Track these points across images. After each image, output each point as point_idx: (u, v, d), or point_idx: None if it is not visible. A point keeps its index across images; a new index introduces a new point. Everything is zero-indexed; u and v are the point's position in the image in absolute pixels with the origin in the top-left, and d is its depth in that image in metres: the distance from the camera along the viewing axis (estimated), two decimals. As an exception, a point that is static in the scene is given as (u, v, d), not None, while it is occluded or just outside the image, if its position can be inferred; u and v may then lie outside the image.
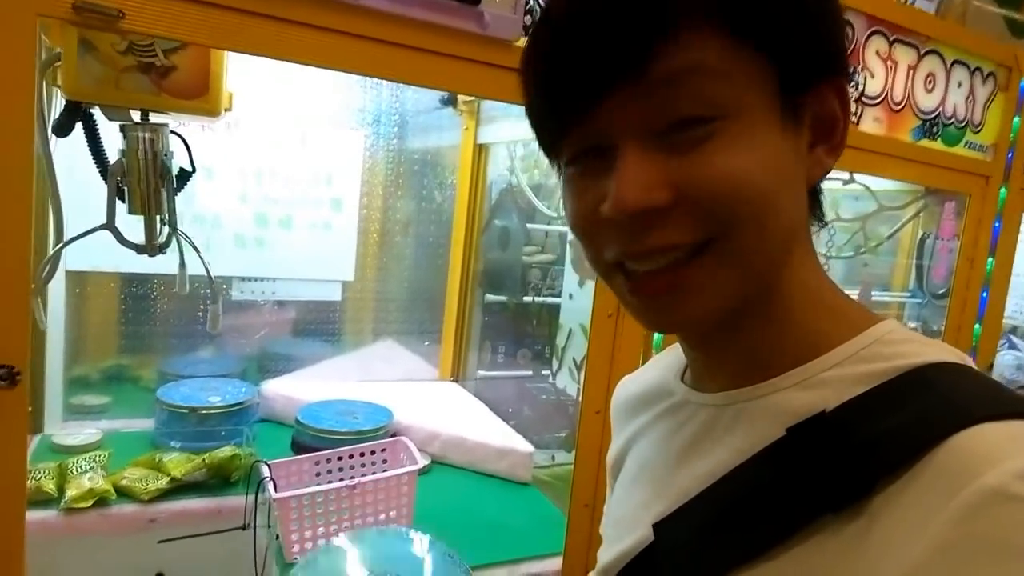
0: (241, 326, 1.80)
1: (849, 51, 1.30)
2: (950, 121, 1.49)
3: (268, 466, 1.26)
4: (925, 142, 1.46)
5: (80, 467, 1.29)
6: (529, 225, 1.97)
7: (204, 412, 1.50)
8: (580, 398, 1.29)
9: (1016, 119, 1.59)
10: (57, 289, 1.49)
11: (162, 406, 1.50)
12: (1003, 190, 1.62)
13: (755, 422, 0.47)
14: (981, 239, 1.63)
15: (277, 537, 1.17)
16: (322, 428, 1.53)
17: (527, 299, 1.96)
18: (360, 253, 1.89)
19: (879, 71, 1.35)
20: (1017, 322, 2.83)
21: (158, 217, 1.03)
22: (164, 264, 1.17)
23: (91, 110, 0.98)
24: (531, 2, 0.95)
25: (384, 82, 1.77)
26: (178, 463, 1.34)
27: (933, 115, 1.46)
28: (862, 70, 1.33)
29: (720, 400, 0.51)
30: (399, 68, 0.92)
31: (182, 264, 1.16)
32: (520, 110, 0.51)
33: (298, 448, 1.52)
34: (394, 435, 1.55)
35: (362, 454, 1.41)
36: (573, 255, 1.76)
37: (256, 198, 1.71)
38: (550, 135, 0.48)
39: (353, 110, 1.84)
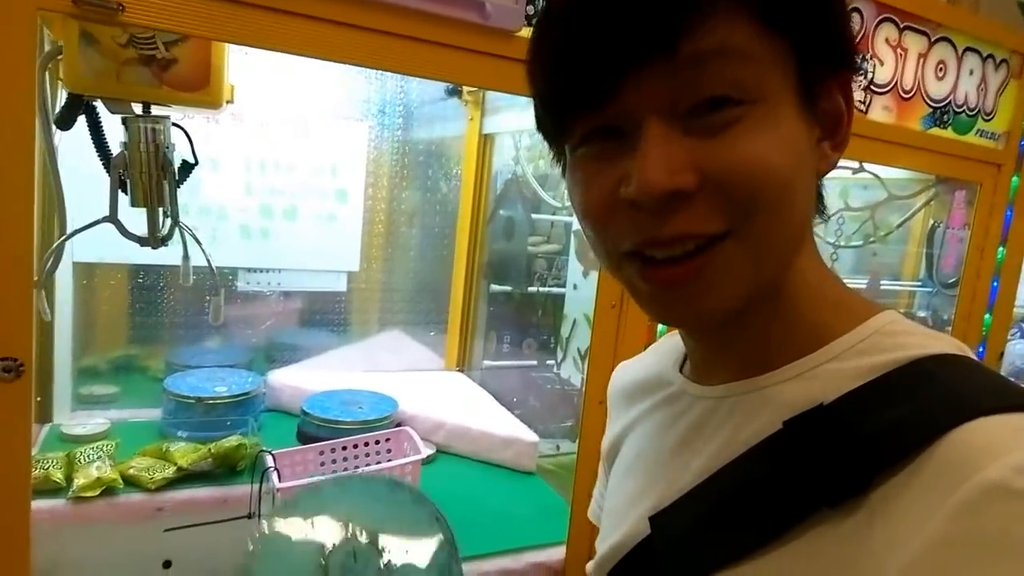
0: (247, 317, 1.81)
1: (858, 38, 1.28)
2: (961, 109, 1.47)
3: (272, 456, 1.27)
4: (936, 130, 1.45)
5: (88, 456, 1.30)
6: (534, 215, 1.96)
7: (211, 402, 1.51)
8: (584, 388, 1.29)
9: (1029, 106, 1.56)
10: (65, 280, 1.50)
11: (169, 396, 1.51)
12: (1015, 178, 1.60)
13: (752, 415, 0.47)
14: (992, 228, 1.61)
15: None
16: (327, 418, 1.53)
17: (532, 289, 1.96)
18: (365, 244, 1.89)
19: (889, 59, 1.33)
20: (1029, 312, 2.80)
21: (160, 209, 1.03)
22: (171, 255, 1.17)
23: (93, 103, 0.98)
24: (533, -8, 0.95)
25: (389, 73, 1.76)
26: (185, 452, 1.35)
27: (944, 103, 1.44)
28: (871, 58, 1.31)
29: (719, 392, 0.51)
30: (400, 59, 0.91)
31: (185, 256, 1.17)
32: (526, 101, 0.50)
33: (303, 438, 1.53)
34: (399, 425, 1.56)
35: (366, 444, 1.42)
36: (578, 245, 1.76)
37: (261, 189, 1.72)
38: (565, 115, 0.46)
39: (358, 101, 1.84)
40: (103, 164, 1.02)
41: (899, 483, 0.37)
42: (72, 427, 1.45)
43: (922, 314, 1.98)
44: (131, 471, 1.30)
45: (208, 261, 1.14)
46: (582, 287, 1.71)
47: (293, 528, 0.69)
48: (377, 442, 1.43)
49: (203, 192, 1.65)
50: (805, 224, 0.47)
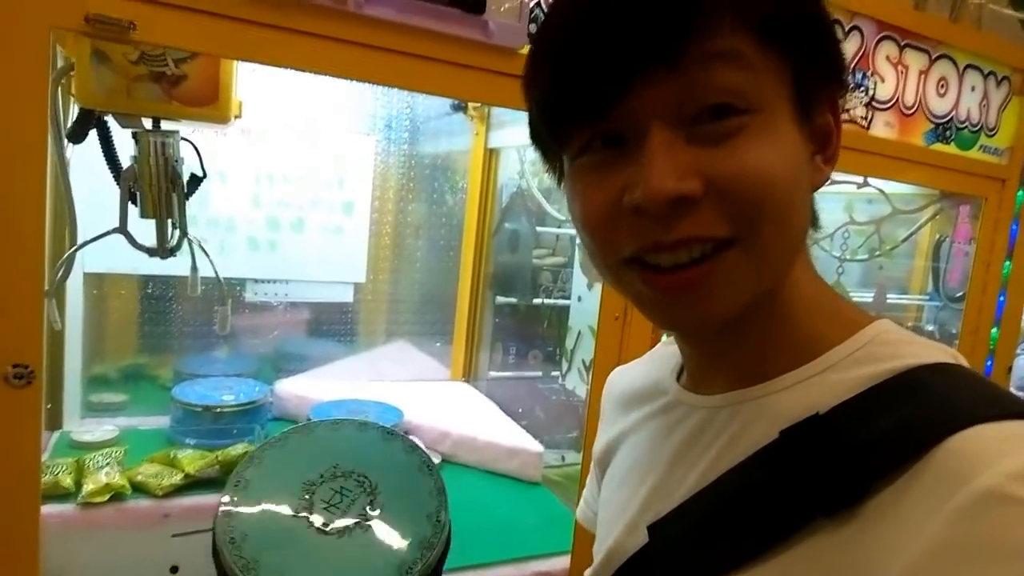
0: (255, 327, 1.83)
1: (859, 56, 1.29)
2: (964, 125, 1.47)
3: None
4: (938, 146, 1.45)
5: (97, 463, 1.32)
6: (539, 228, 1.98)
7: (218, 410, 1.52)
8: (588, 399, 1.30)
9: (1032, 122, 1.56)
10: (76, 290, 1.53)
11: (177, 404, 1.53)
12: (1020, 192, 1.60)
13: (749, 425, 0.48)
14: (997, 242, 1.61)
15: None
16: (333, 427, 1.54)
17: (537, 301, 1.97)
18: (372, 256, 1.91)
19: (890, 76, 1.34)
20: (1037, 326, 2.78)
21: (169, 221, 1.06)
22: (180, 266, 1.20)
23: (104, 118, 1.01)
24: (535, 11, 0.96)
25: (395, 88, 1.78)
26: (192, 460, 1.37)
27: (946, 119, 1.44)
28: (872, 75, 1.32)
29: (715, 403, 0.51)
30: (406, 76, 0.93)
31: (194, 267, 1.19)
32: (531, 115, 0.50)
33: (309, 447, 1.54)
34: (405, 435, 1.57)
35: (371, 453, 1.42)
36: (582, 258, 1.77)
37: (269, 202, 1.74)
38: (566, 123, 0.46)
39: (365, 115, 1.86)
40: (113, 177, 1.05)
41: (896, 491, 0.38)
42: (82, 434, 1.47)
43: (930, 328, 1.97)
44: (139, 477, 1.31)
45: (215, 272, 1.16)
46: (587, 299, 1.72)
47: (282, 459, 0.69)
48: (381, 451, 1.44)
49: (212, 204, 1.67)
50: (803, 235, 0.48)
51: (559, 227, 1.97)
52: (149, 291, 1.68)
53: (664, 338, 1.17)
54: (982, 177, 1.54)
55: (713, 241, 0.42)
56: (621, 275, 0.46)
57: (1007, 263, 1.63)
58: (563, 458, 1.79)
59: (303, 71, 0.87)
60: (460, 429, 1.70)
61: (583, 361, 1.75)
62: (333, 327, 1.93)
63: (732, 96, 0.41)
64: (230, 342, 1.81)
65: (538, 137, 0.51)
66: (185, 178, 1.07)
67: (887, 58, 1.33)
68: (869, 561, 0.37)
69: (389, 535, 0.63)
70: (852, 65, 1.28)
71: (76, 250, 1.02)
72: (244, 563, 0.59)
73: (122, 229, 1.03)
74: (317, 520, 0.63)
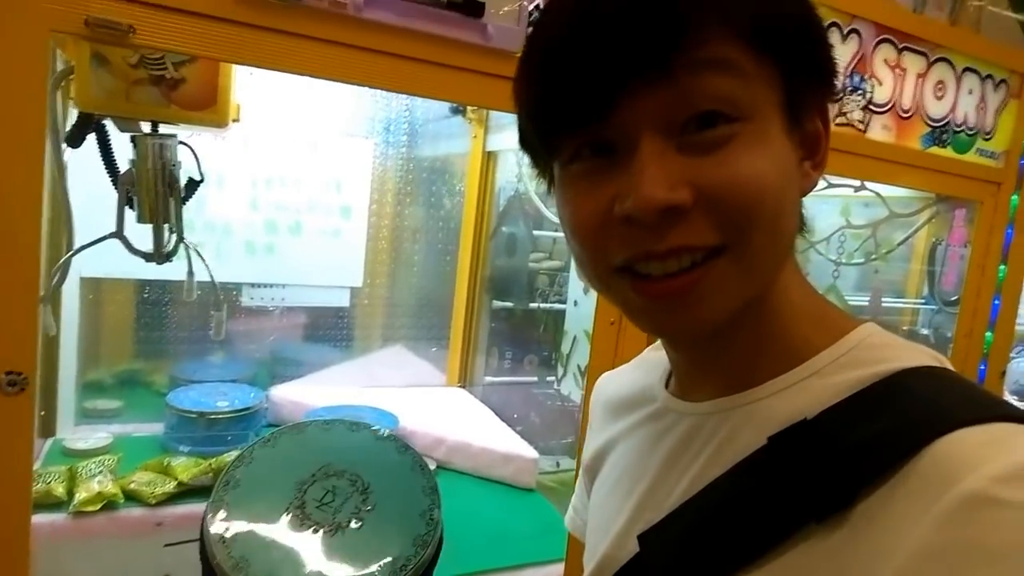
0: (251, 331, 1.82)
1: (857, 59, 1.30)
2: (960, 128, 1.48)
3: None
4: (935, 149, 1.46)
5: (89, 471, 1.30)
6: (536, 232, 1.97)
7: (212, 417, 1.51)
8: (583, 405, 1.29)
9: (1028, 126, 1.57)
10: (71, 295, 1.52)
11: (172, 410, 1.52)
12: (1015, 197, 1.61)
13: (738, 431, 0.48)
14: (992, 246, 1.62)
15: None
16: (329, 433, 1.53)
17: (534, 305, 1.97)
18: (369, 260, 1.90)
19: (887, 79, 1.35)
20: (1031, 330, 2.79)
21: (166, 225, 1.05)
22: (176, 271, 1.19)
23: (103, 121, 1.00)
24: (534, 15, 0.96)
25: (393, 92, 1.78)
26: (185, 467, 1.35)
27: (943, 122, 1.45)
28: (870, 78, 1.32)
29: (704, 409, 0.51)
30: (405, 80, 0.93)
31: (190, 272, 1.18)
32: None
33: (305, 453, 1.53)
34: (396, 435, 1.56)
35: (368, 460, 1.41)
36: (577, 268, 1.76)
37: (266, 205, 1.73)
38: (556, 131, 0.46)
39: (363, 118, 1.86)
40: (111, 181, 1.04)
41: (883, 496, 0.38)
42: (75, 441, 1.46)
43: (925, 331, 1.98)
44: (132, 486, 1.30)
45: (211, 277, 1.15)
46: (583, 304, 1.72)
47: (273, 459, 0.69)
48: (378, 458, 1.43)
49: (209, 208, 1.66)
50: (791, 241, 0.48)
51: (556, 231, 1.96)
52: (145, 296, 1.67)
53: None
54: (978, 181, 1.55)
55: (703, 250, 0.42)
56: (611, 283, 0.46)
57: (1002, 267, 1.64)
58: (558, 464, 1.78)
59: (302, 75, 0.87)
60: (455, 435, 1.70)
61: (578, 366, 1.74)
62: (329, 332, 1.92)
63: (723, 104, 0.41)
64: (226, 347, 1.79)
65: (528, 143, 0.51)
66: (183, 182, 1.06)
67: (885, 61, 1.33)
68: (859, 566, 0.38)
69: (383, 533, 0.63)
70: (850, 68, 1.29)
71: (72, 255, 1.01)
72: (234, 562, 0.58)
73: (119, 234, 1.02)
74: (309, 518, 0.63)
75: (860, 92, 1.31)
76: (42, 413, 1.50)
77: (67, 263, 1.00)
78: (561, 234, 2.01)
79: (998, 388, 1.74)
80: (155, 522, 1.28)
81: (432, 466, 1.63)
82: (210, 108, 0.99)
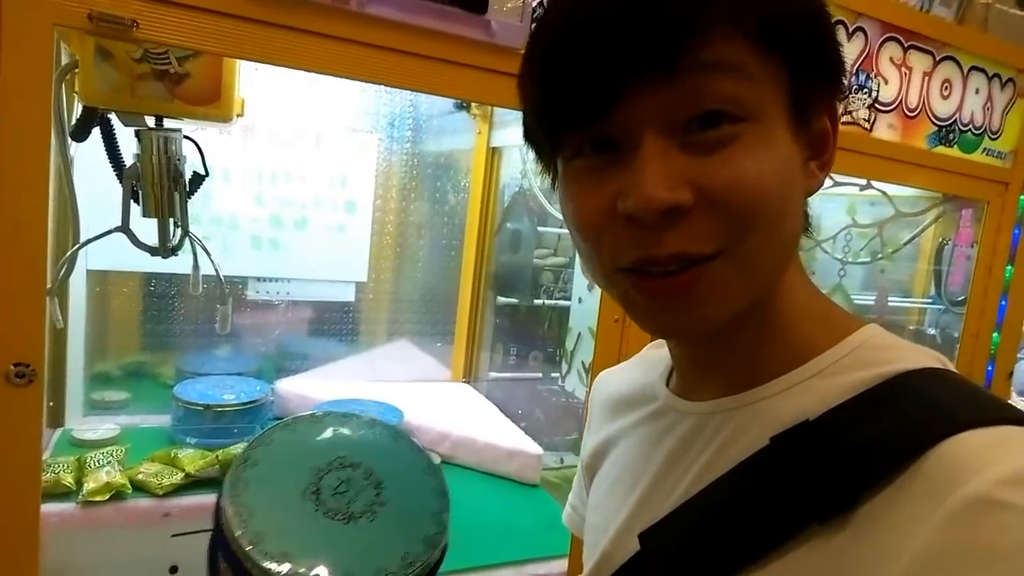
0: (257, 325, 1.83)
1: (863, 58, 1.29)
2: (967, 127, 1.47)
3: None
4: (941, 148, 1.45)
5: (98, 461, 1.32)
6: (541, 228, 1.97)
7: (219, 409, 1.52)
8: (587, 401, 1.30)
9: (1036, 125, 1.56)
10: (79, 288, 1.53)
11: (178, 403, 1.53)
12: (1023, 197, 1.60)
13: (740, 431, 0.48)
14: (999, 246, 1.61)
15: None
16: (333, 427, 1.54)
17: (538, 302, 1.97)
18: (374, 255, 1.91)
19: (893, 78, 1.34)
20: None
21: (171, 219, 1.06)
22: (182, 264, 1.20)
23: (108, 116, 1.01)
24: (538, 11, 0.96)
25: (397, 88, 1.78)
26: (192, 459, 1.37)
27: (949, 121, 1.44)
28: (876, 76, 1.32)
29: (707, 409, 0.51)
30: (408, 76, 0.93)
31: (195, 265, 1.19)
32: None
33: (310, 446, 1.54)
34: (411, 436, 1.57)
35: (371, 453, 1.42)
36: (581, 263, 1.76)
37: (271, 200, 1.74)
38: (559, 126, 0.45)
39: (368, 114, 1.86)
40: (116, 175, 1.05)
41: (886, 498, 0.38)
42: (83, 432, 1.48)
43: (931, 331, 1.97)
44: (140, 476, 1.32)
45: (216, 271, 1.16)
46: (587, 300, 1.72)
47: (291, 445, 0.70)
48: (381, 451, 1.44)
49: (215, 202, 1.67)
50: (795, 242, 0.48)
51: (561, 227, 1.96)
52: (152, 289, 1.69)
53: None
54: (985, 180, 1.54)
55: (702, 256, 0.42)
56: (614, 280, 0.46)
57: (1009, 267, 1.63)
58: (562, 460, 1.78)
59: (305, 70, 0.87)
60: (460, 430, 1.71)
61: (583, 363, 1.75)
62: (334, 326, 1.93)
63: (725, 103, 0.41)
64: (232, 341, 1.81)
65: (532, 137, 0.50)
66: (187, 176, 1.07)
67: (891, 60, 1.32)
68: (862, 567, 0.37)
69: (394, 528, 0.64)
70: (855, 66, 1.28)
71: (78, 248, 1.02)
72: (251, 536, 0.59)
73: (124, 228, 1.03)
74: (324, 504, 0.63)
75: (866, 91, 1.31)
76: (50, 404, 1.52)
77: (73, 256, 1.02)
78: (565, 230, 2.02)
79: (1005, 389, 1.73)
80: (163, 512, 1.29)
81: (436, 461, 1.63)
82: (214, 103, 0.99)
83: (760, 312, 0.47)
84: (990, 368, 1.68)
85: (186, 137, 1.07)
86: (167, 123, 1.04)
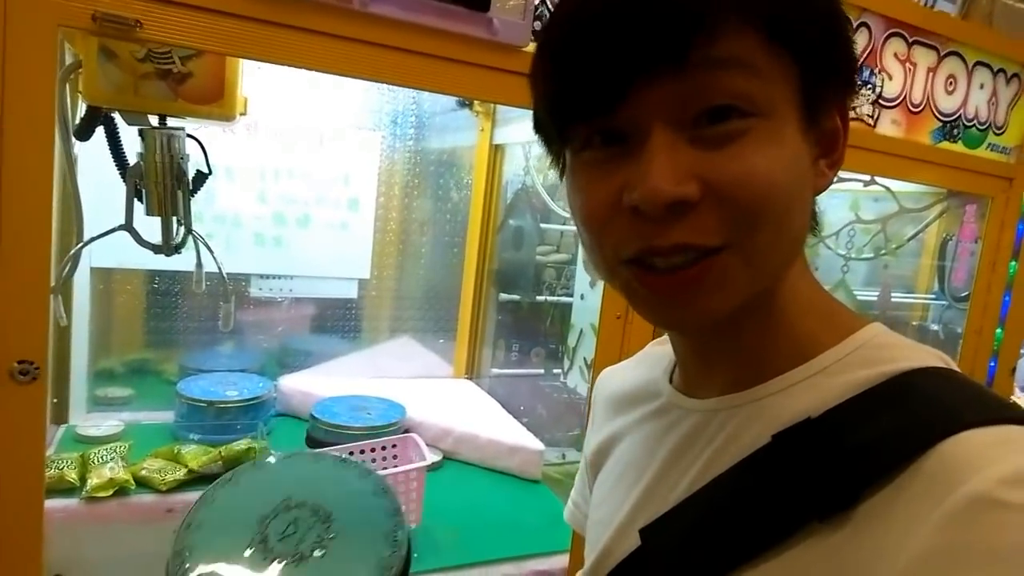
0: (260, 322, 1.84)
1: (867, 53, 1.28)
2: (971, 123, 1.46)
3: (280, 460, 1.28)
4: (946, 144, 1.44)
5: (101, 457, 1.33)
6: (543, 225, 1.97)
7: (222, 406, 1.53)
8: (589, 398, 1.30)
9: (1041, 121, 1.55)
10: (83, 285, 1.54)
11: (182, 399, 1.54)
12: (1027, 193, 1.59)
13: (743, 428, 0.48)
14: (1003, 242, 1.60)
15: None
16: (335, 423, 1.55)
17: (540, 298, 1.97)
18: (376, 252, 1.91)
19: (897, 73, 1.33)
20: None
21: (174, 218, 1.06)
22: (186, 261, 1.20)
23: (111, 115, 1.01)
24: (540, 8, 0.96)
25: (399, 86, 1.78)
26: (195, 455, 1.37)
27: (954, 117, 1.43)
28: (880, 72, 1.31)
29: (710, 406, 0.51)
30: (410, 74, 0.93)
31: (198, 263, 1.19)
32: (535, 113, 0.50)
33: (312, 443, 1.55)
34: (407, 431, 1.58)
35: (373, 449, 1.43)
36: (585, 255, 1.76)
37: (275, 198, 1.75)
38: (569, 118, 0.45)
39: (371, 111, 1.86)
40: (120, 174, 1.05)
41: (887, 496, 0.38)
42: (87, 428, 1.48)
43: (935, 327, 1.96)
44: (143, 472, 1.32)
45: (219, 268, 1.17)
46: (589, 297, 1.72)
47: (235, 497, 0.70)
48: (384, 448, 1.44)
49: (218, 200, 1.68)
50: (801, 239, 0.48)
51: (563, 224, 1.96)
52: (155, 286, 1.69)
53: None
54: (989, 176, 1.53)
55: (706, 249, 0.42)
56: (617, 273, 0.46)
57: (1013, 263, 1.62)
58: (564, 456, 1.79)
59: (308, 69, 0.87)
60: (462, 426, 1.71)
61: (585, 359, 1.75)
62: (337, 323, 1.94)
63: (735, 98, 0.41)
64: (235, 338, 1.81)
65: (541, 129, 0.51)
66: (191, 175, 1.08)
67: (895, 55, 1.32)
68: (862, 565, 0.38)
69: (346, 558, 0.64)
70: (859, 62, 1.28)
71: (82, 246, 1.02)
72: None
73: (128, 226, 1.04)
74: (272, 551, 0.63)
75: (870, 86, 1.30)
76: (54, 401, 1.52)
77: (77, 254, 1.02)
78: (568, 227, 2.02)
79: (1008, 385, 1.73)
80: (166, 508, 1.30)
81: (439, 457, 1.64)
82: (217, 102, 1.00)
83: (764, 307, 0.47)
84: (993, 364, 1.67)
85: (189, 135, 1.07)
86: (170, 122, 1.05)
